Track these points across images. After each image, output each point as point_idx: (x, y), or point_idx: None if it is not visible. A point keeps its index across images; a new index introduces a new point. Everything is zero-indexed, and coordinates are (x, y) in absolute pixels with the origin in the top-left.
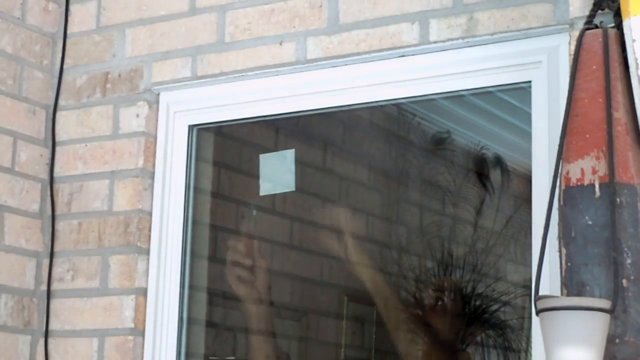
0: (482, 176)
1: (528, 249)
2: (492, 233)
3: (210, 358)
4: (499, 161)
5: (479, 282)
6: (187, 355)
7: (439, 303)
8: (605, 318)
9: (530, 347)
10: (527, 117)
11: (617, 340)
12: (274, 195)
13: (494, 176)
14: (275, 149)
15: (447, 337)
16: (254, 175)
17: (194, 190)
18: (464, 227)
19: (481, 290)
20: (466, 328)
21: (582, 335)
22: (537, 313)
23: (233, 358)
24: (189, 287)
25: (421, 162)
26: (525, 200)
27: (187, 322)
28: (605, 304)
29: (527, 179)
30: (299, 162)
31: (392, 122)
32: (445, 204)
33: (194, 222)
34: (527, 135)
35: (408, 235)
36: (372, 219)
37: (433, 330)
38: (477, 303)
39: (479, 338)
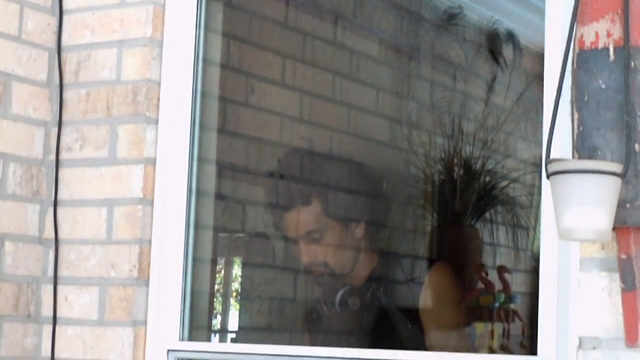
0: (493, 52)
1: (539, 127)
2: (503, 110)
3: (220, 235)
4: (511, 37)
5: (489, 159)
6: (196, 226)
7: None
8: (616, 182)
9: (538, 224)
10: None
11: (628, 205)
12: (284, 68)
13: (506, 52)
14: (285, 22)
15: (456, 212)
16: (264, 48)
17: (203, 61)
18: (475, 104)
19: (491, 167)
20: (475, 204)
21: (592, 199)
22: (548, 176)
23: (242, 234)
24: (197, 158)
25: (432, 38)
26: (537, 77)
27: (195, 194)
28: (617, 167)
29: (539, 56)
30: (309, 35)
31: None
32: (456, 80)
33: (203, 94)
34: (540, 12)
35: (418, 110)
36: (382, 93)
37: (442, 206)
38: (487, 179)
39: (487, 214)
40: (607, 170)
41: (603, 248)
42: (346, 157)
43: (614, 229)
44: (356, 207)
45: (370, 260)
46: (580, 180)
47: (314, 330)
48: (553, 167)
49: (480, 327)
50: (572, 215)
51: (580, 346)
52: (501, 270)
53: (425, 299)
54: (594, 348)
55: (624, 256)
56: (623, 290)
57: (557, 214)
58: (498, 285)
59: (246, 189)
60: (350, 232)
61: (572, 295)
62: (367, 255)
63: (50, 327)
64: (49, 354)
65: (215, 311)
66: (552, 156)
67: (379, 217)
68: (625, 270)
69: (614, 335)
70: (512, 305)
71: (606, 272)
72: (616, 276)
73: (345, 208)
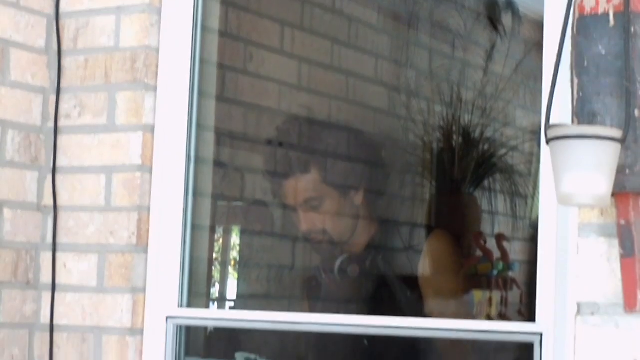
0: (492, 20)
1: (538, 95)
2: (502, 78)
3: (219, 202)
4: (510, 5)
5: (488, 127)
6: (195, 193)
7: (447, 146)
8: (615, 147)
9: (537, 193)
10: None
11: (627, 171)
12: (283, 35)
13: (505, 20)
14: None
15: (455, 180)
16: (262, 15)
17: (201, 28)
18: (474, 72)
19: (490, 135)
20: (474, 172)
21: (592, 164)
22: (548, 142)
23: (240, 202)
24: (196, 126)
25: (431, 5)
26: (536, 45)
27: (194, 161)
28: (617, 133)
29: (538, 24)
30: (308, 3)
31: None
32: (455, 48)
33: (202, 61)
34: None
35: (417, 78)
36: (381, 61)
37: (441, 174)
38: (486, 147)
39: (486, 182)
40: (606, 136)
41: (602, 214)
42: (345, 124)
43: (613, 194)
44: (355, 175)
45: (369, 228)
46: (579, 146)
47: (313, 297)
48: (553, 133)
49: (478, 295)
50: (571, 181)
51: (578, 312)
52: (500, 238)
53: (423, 266)
54: (592, 314)
55: (623, 222)
56: (622, 256)
57: (556, 180)
58: (496, 254)
59: (245, 156)
60: (349, 200)
61: (571, 262)
62: (366, 223)
63: (50, 294)
64: (48, 320)
65: (214, 279)
66: (551, 122)
67: (377, 185)
68: (624, 236)
69: (612, 301)
70: (510, 273)
71: (605, 238)
72: (615, 242)
73: (344, 176)
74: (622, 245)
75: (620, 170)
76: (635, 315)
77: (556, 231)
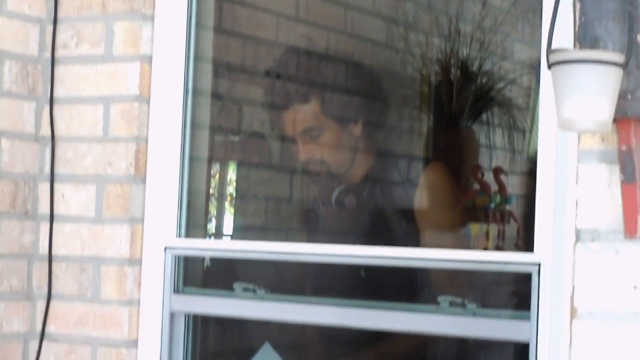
0: None
1: (536, 29)
2: (500, 11)
3: (216, 134)
4: None
5: (486, 60)
6: (193, 125)
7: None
8: (617, 72)
9: (535, 126)
10: None
11: (629, 96)
12: None
13: None
14: None
15: (453, 113)
16: None
17: None
18: (472, 4)
19: (488, 68)
20: (472, 105)
21: (593, 89)
22: (549, 66)
23: (238, 134)
24: (194, 57)
25: None
26: None
27: (192, 92)
28: (619, 58)
29: None
30: None
31: None
32: None
33: None
34: None
35: (415, 11)
36: None
37: (439, 107)
38: (484, 81)
39: (484, 116)
40: (608, 60)
41: (603, 140)
42: (343, 57)
43: (614, 120)
44: (354, 107)
45: (367, 159)
46: (581, 70)
47: (311, 228)
48: (554, 57)
49: (475, 228)
50: (572, 106)
51: (578, 239)
52: (497, 171)
53: (420, 198)
54: (592, 240)
55: (624, 148)
56: (623, 182)
57: (557, 105)
58: (494, 187)
59: (242, 88)
60: (348, 131)
61: (570, 188)
62: (364, 154)
63: (48, 225)
64: (46, 251)
65: (211, 210)
66: (553, 47)
67: (376, 117)
68: (625, 162)
69: (612, 227)
70: (507, 207)
71: (606, 164)
72: (615, 168)
73: (344, 107)
74: (623, 171)
75: (622, 96)
76: (635, 241)
77: (555, 158)
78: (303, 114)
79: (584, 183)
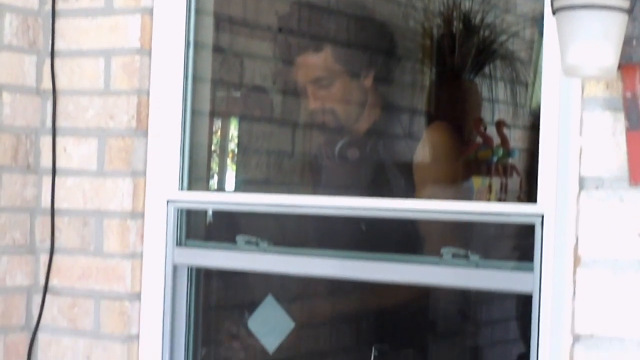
0: None
1: None
2: None
3: (218, 88)
4: None
5: (489, 13)
6: (194, 78)
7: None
8: (623, 18)
9: (538, 80)
10: None
11: (634, 42)
12: None
13: None
14: None
15: (455, 67)
16: None
17: None
18: None
19: (490, 21)
20: (474, 58)
21: (598, 35)
22: (554, 12)
23: (240, 88)
24: (195, 10)
25: None
26: None
27: (193, 45)
28: (624, 3)
29: None
30: None
31: None
32: None
33: None
34: None
35: None
36: None
37: (441, 60)
38: (486, 34)
39: (486, 69)
40: (613, 6)
41: (607, 87)
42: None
43: (619, 67)
44: (366, 59)
45: (374, 113)
46: (586, 16)
47: (313, 180)
48: (559, 3)
49: (477, 182)
50: (577, 51)
51: (582, 187)
52: (500, 124)
53: (422, 155)
54: (596, 188)
55: (629, 94)
56: (627, 129)
57: (561, 51)
58: (497, 141)
59: (244, 41)
60: (359, 83)
61: (574, 136)
62: (372, 107)
63: (50, 178)
64: (48, 204)
65: (213, 164)
66: None
67: (385, 71)
68: (630, 108)
69: (617, 175)
70: (510, 160)
71: (610, 111)
72: (620, 116)
73: (355, 59)
74: (628, 117)
75: (627, 42)
76: (639, 188)
77: (559, 106)
78: (314, 62)
79: (588, 131)
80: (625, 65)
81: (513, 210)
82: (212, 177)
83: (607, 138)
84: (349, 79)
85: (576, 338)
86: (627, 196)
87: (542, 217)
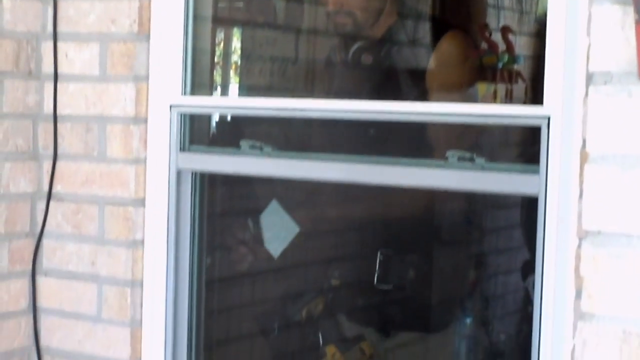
0: None
1: None
2: None
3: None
4: None
5: None
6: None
7: None
8: None
9: None
10: None
11: None
12: None
13: None
14: None
15: None
16: None
17: None
18: None
19: None
20: None
21: None
22: None
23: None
24: None
25: None
26: None
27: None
28: None
29: None
30: None
31: None
32: None
33: None
34: None
35: None
36: None
37: None
38: None
39: None
40: None
41: None
42: None
43: None
44: None
45: (391, 18)
46: None
47: (322, 84)
48: None
49: (482, 88)
50: None
51: (590, 81)
52: (505, 30)
53: (436, 65)
54: (605, 83)
55: None
56: (637, 22)
57: None
58: (502, 47)
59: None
60: None
61: (582, 29)
62: (389, 12)
63: (52, 84)
64: (51, 110)
65: (217, 71)
66: None
67: None
68: (639, 1)
69: (625, 70)
70: (515, 66)
71: (619, 5)
72: (629, 9)
73: None
74: (638, 10)
75: None
76: None
77: (567, 0)
78: None
79: (597, 25)
80: None
81: (519, 113)
82: (215, 84)
83: (616, 32)
84: None
85: (583, 235)
86: (636, 91)
87: (549, 118)
